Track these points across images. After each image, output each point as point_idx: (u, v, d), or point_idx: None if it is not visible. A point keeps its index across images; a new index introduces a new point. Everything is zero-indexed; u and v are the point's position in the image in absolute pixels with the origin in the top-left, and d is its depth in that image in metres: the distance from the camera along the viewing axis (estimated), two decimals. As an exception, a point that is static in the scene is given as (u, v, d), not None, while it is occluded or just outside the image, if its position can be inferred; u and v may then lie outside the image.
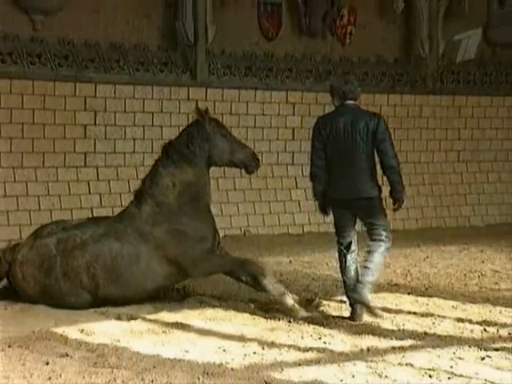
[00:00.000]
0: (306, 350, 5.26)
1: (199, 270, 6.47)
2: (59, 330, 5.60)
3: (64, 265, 6.30)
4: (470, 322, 6.07)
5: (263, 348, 5.27)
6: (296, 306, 6.22)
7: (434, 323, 6.03)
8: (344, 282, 6.19)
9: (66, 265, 6.31)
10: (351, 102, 6.09)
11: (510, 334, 5.77)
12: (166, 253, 6.37)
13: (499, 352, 5.24)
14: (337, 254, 6.25)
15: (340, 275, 6.29)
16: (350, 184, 5.98)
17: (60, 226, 6.61)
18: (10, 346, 5.22)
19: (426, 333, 5.74)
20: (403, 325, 5.95)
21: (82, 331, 5.59)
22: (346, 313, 6.25)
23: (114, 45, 10.04)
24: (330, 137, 5.98)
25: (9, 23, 9.44)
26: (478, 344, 5.42)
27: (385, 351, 5.25)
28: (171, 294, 6.78)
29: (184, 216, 6.44)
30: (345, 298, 6.43)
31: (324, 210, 6.20)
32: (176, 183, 6.49)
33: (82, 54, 9.79)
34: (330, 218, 6.28)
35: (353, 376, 4.71)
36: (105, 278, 6.32)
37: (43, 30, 9.60)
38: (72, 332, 5.57)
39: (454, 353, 5.24)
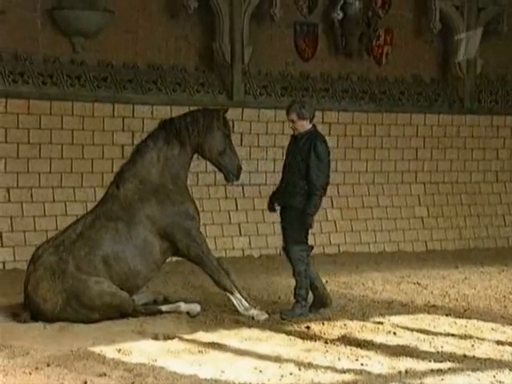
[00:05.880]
0: (343, 371, 5.22)
1: (192, 245, 6.63)
2: (97, 350, 5.64)
3: (72, 259, 6.37)
4: (510, 344, 5.98)
5: (300, 369, 5.25)
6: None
7: (473, 345, 5.95)
8: (316, 287, 6.96)
9: (73, 258, 6.37)
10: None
11: (551, 357, 5.67)
12: (157, 225, 6.56)
13: (540, 376, 5.15)
14: (304, 266, 6.91)
15: (307, 283, 6.92)
16: None
17: (49, 242, 6.67)
18: (48, 365, 5.27)
19: (465, 355, 5.67)
20: (441, 347, 5.88)
21: (119, 351, 5.62)
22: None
23: (152, 66, 10.14)
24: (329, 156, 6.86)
25: (49, 46, 9.59)
26: (519, 367, 5.34)
27: (423, 374, 5.19)
28: (207, 313, 6.79)
29: (170, 193, 6.67)
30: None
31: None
32: (160, 158, 6.71)
33: (121, 76, 9.90)
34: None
35: (390, 398, 4.69)
36: (113, 257, 6.45)
37: (83, 52, 9.73)
38: (109, 351, 5.60)
39: (494, 376, 5.17)
